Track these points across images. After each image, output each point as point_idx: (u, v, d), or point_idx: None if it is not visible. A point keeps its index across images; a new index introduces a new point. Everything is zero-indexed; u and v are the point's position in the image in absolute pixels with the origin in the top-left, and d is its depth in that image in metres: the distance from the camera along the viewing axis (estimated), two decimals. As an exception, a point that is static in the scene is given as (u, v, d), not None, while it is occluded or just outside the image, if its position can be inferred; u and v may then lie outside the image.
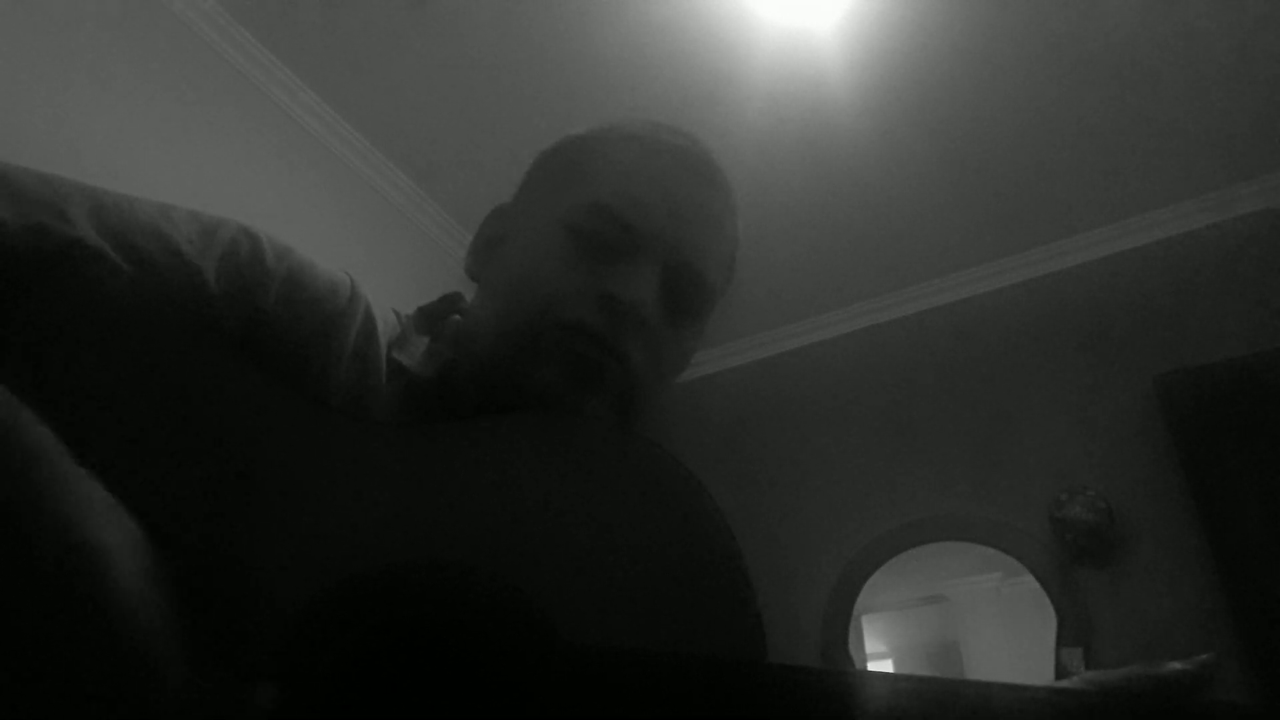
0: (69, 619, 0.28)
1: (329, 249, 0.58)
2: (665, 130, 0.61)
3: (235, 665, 0.33)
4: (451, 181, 2.38)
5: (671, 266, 0.55)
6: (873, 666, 2.53)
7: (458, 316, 0.63)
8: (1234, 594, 1.96)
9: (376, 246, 2.29)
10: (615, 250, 0.54)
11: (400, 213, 2.40)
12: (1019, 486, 2.35)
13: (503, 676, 0.36)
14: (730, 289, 0.64)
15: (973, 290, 2.67)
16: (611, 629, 0.41)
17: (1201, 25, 1.93)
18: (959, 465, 2.45)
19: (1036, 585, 2.24)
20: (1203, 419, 2.13)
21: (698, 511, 0.46)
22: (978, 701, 0.34)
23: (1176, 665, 0.41)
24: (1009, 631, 2.43)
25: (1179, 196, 2.40)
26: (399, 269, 2.31)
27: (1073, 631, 2.13)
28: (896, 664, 2.65)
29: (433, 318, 0.62)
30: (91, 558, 0.29)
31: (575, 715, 0.35)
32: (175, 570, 0.33)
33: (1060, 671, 2.10)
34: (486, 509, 0.42)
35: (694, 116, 1.69)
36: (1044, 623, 2.18)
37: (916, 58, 2.01)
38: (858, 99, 2.10)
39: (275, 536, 0.38)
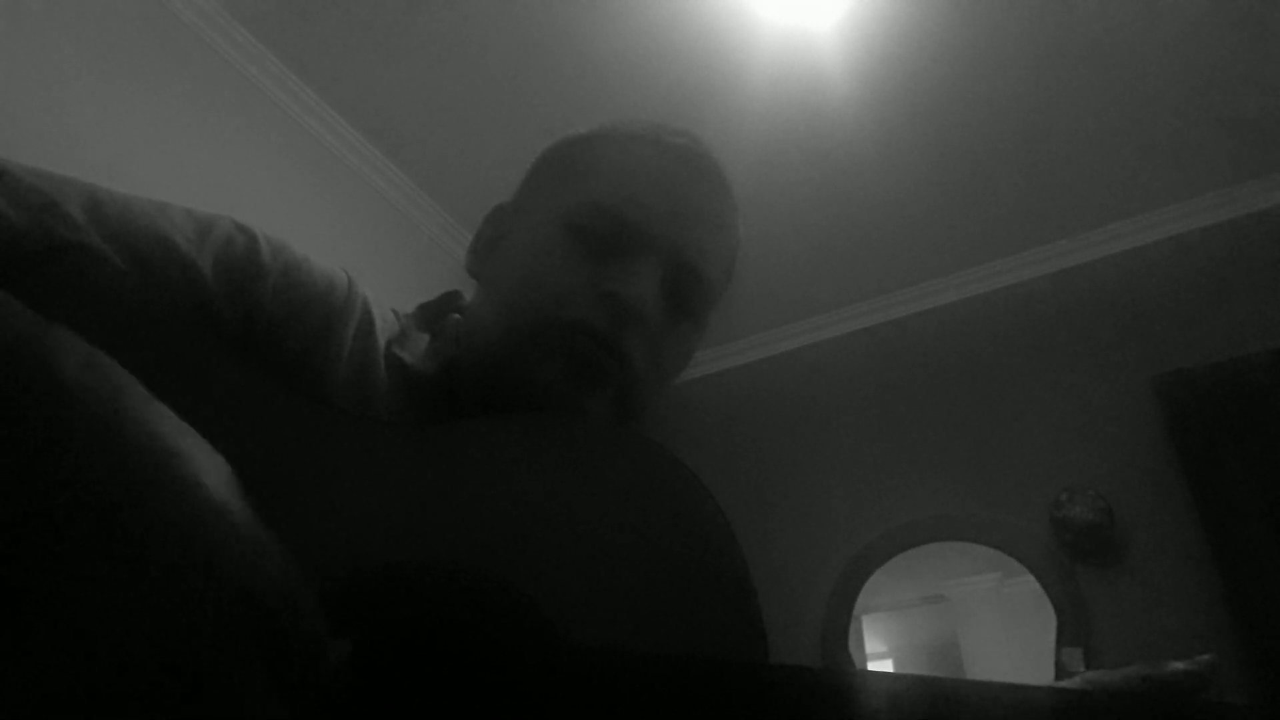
0: (158, 522, 0.28)
1: (329, 249, 0.58)
2: (666, 130, 0.61)
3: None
4: (451, 181, 2.38)
5: (672, 265, 0.55)
6: (873, 666, 2.53)
7: (458, 315, 0.63)
8: (1234, 594, 1.96)
9: (376, 246, 2.29)
10: (616, 249, 0.54)
11: (400, 213, 2.40)
12: (1019, 486, 2.35)
13: (503, 677, 0.36)
14: (730, 289, 0.64)
15: (972, 290, 2.67)
16: (612, 629, 0.41)
17: (1201, 26, 1.93)
18: (959, 465, 2.45)
19: (1036, 585, 2.24)
20: (1202, 419, 2.13)
21: (698, 511, 0.46)
22: (978, 702, 0.34)
23: (1177, 666, 0.41)
24: (1009, 631, 2.43)
25: (1178, 197, 2.40)
26: (399, 269, 2.31)
27: (1073, 631, 2.13)
28: (896, 664, 2.65)
29: (433, 316, 0.63)
30: (178, 461, 0.30)
31: (575, 716, 0.35)
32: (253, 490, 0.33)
33: (1060, 671, 2.10)
34: (487, 508, 0.42)
35: (694, 116, 1.70)
36: (1044, 623, 2.18)
37: (916, 58, 2.01)
38: (857, 99, 2.10)
39: (275, 536, 0.38)
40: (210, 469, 0.31)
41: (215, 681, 0.26)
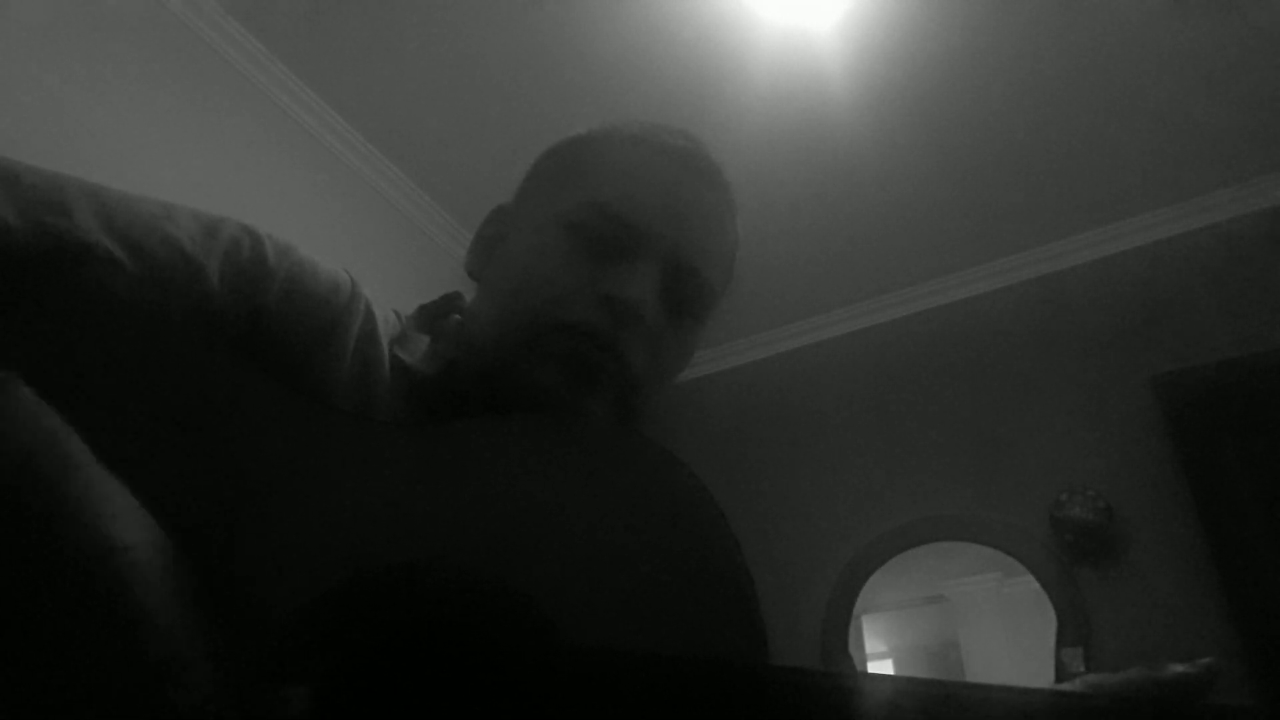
0: (94, 619, 0.28)
1: (329, 249, 0.58)
2: (666, 131, 0.61)
3: (245, 665, 0.34)
4: (451, 181, 2.38)
5: (672, 266, 0.55)
6: (873, 666, 2.53)
7: (458, 316, 0.63)
8: (1234, 594, 1.96)
9: (376, 246, 2.29)
10: (616, 250, 0.54)
11: (400, 213, 2.40)
12: (1019, 486, 2.35)
13: (504, 677, 0.36)
14: (730, 289, 0.64)
15: (972, 290, 2.67)
16: (612, 629, 0.41)
17: (1201, 26, 1.93)
18: (959, 465, 2.45)
19: (1036, 585, 2.24)
20: (1202, 419, 2.13)
21: (698, 511, 0.46)
22: (978, 704, 0.34)
23: (1177, 668, 0.41)
24: (1009, 631, 2.43)
25: (1178, 197, 2.40)
26: (399, 269, 2.31)
27: (1073, 631, 2.13)
28: (896, 664, 2.65)
29: (433, 317, 0.63)
30: (116, 558, 0.30)
31: (576, 716, 0.35)
32: (197, 570, 0.33)
33: (1060, 671, 2.10)
34: (488, 509, 0.42)
35: (694, 116, 1.70)
36: (1044, 623, 2.18)
37: (916, 58, 2.01)
38: (857, 99, 2.10)
39: (277, 536, 0.38)
40: (147, 563, 0.31)
41: None
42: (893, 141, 2.21)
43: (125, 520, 0.31)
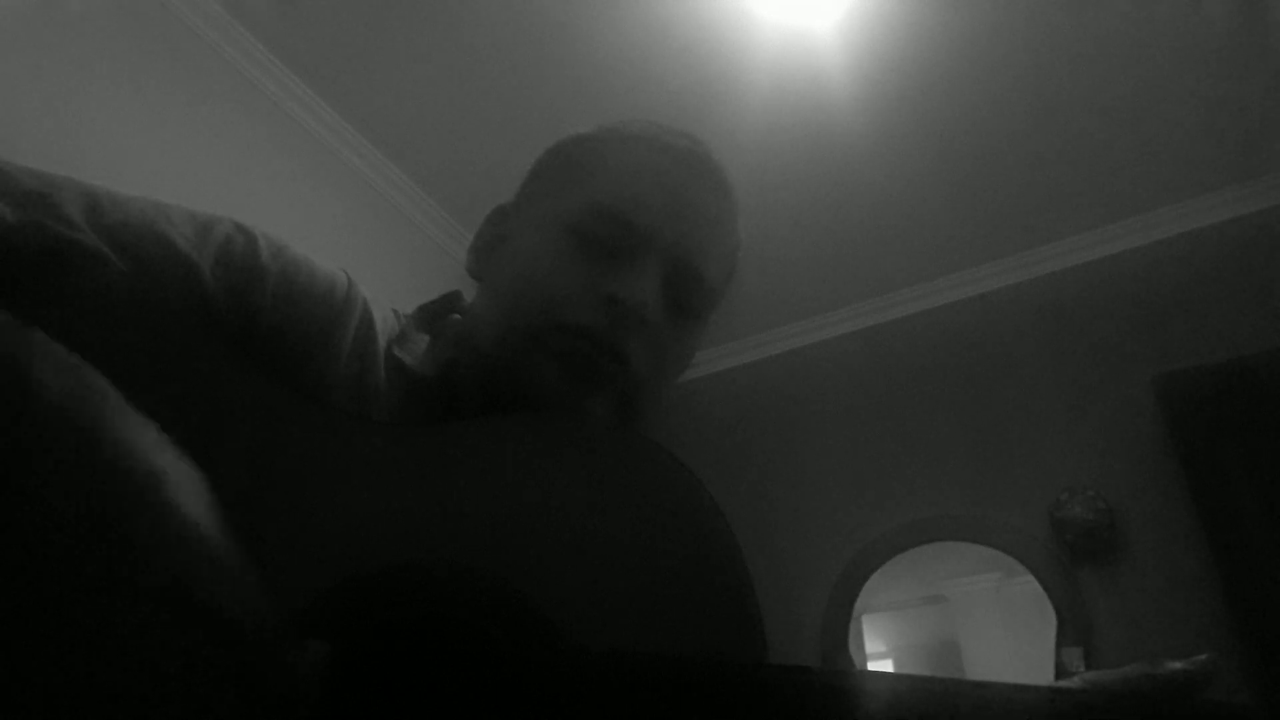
0: (130, 546, 0.28)
1: (329, 249, 0.58)
2: (666, 130, 0.61)
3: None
4: (451, 181, 2.38)
5: (673, 266, 0.55)
6: (873, 666, 2.53)
7: (458, 316, 0.63)
8: (1234, 594, 1.96)
9: (376, 246, 2.29)
10: (617, 250, 0.54)
11: (400, 213, 2.40)
12: (1019, 486, 2.35)
13: (505, 678, 0.36)
14: (731, 289, 0.64)
15: (972, 290, 2.67)
16: (613, 629, 0.41)
17: (1201, 26, 1.93)
18: (959, 465, 2.45)
19: (1036, 585, 2.24)
20: (1202, 419, 2.13)
21: (698, 511, 0.46)
22: (977, 701, 0.34)
23: (1176, 665, 0.41)
24: (1009, 631, 2.43)
25: (1178, 197, 2.40)
26: (399, 269, 2.31)
27: (1073, 631, 2.13)
28: (896, 664, 2.65)
29: (433, 316, 0.62)
30: (152, 479, 0.29)
31: (577, 716, 0.35)
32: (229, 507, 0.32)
33: (1060, 671, 2.10)
34: (489, 509, 0.42)
35: (694, 116, 1.70)
36: (1044, 623, 2.18)
37: (916, 58, 2.01)
38: (857, 99, 2.10)
39: (275, 536, 0.38)
40: (187, 489, 0.30)
41: (183, 702, 0.26)
42: (893, 141, 2.21)
43: (156, 448, 0.31)
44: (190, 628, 0.27)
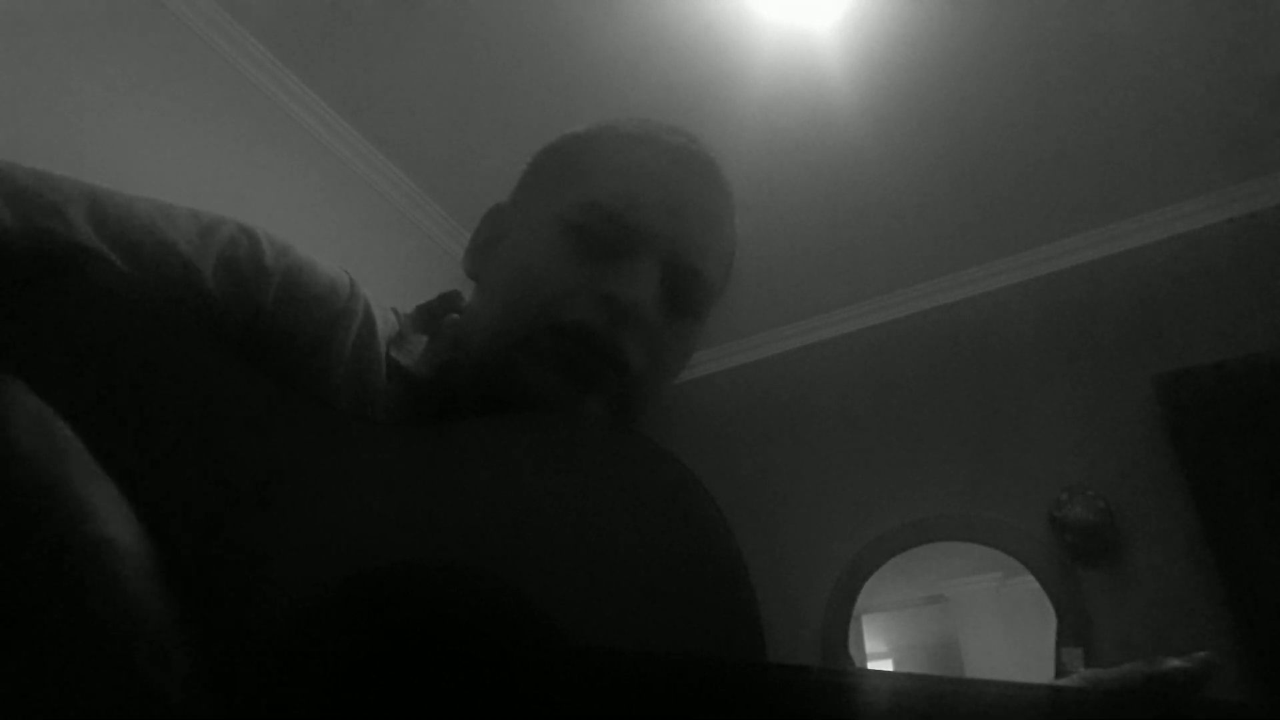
0: (82, 607, 0.29)
1: (329, 249, 0.58)
2: (664, 129, 0.60)
3: (239, 665, 0.34)
4: (451, 181, 2.38)
5: (671, 265, 0.55)
6: (873, 666, 2.53)
7: (456, 316, 0.63)
8: (1234, 594, 1.96)
9: (376, 246, 2.29)
10: (614, 249, 0.54)
11: (400, 213, 2.40)
12: (1019, 486, 2.35)
13: (504, 677, 0.36)
14: (730, 288, 0.64)
15: (973, 290, 2.67)
16: (612, 629, 0.41)
17: (1201, 26, 1.93)
18: (959, 465, 2.45)
19: (1036, 585, 2.24)
20: (1203, 419, 2.13)
21: (697, 511, 0.46)
22: (977, 700, 0.34)
23: (1174, 663, 0.41)
24: (1009, 631, 2.43)
25: (1178, 197, 2.40)
26: (399, 269, 2.31)
27: (1073, 631, 2.13)
28: (896, 664, 2.65)
29: (431, 317, 0.62)
30: (103, 549, 0.30)
31: (576, 716, 0.35)
32: (179, 571, 0.33)
33: (1060, 671, 2.10)
34: (487, 509, 0.42)
35: (694, 116, 1.69)
36: (1044, 623, 2.18)
37: (916, 58, 2.01)
38: (857, 99, 2.10)
39: (275, 536, 0.38)
40: (133, 557, 0.31)
41: None
42: (892, 141, 2.21)
43: (111, 514, 0.32)
44: (124, 693, 0.29)
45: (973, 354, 2.59)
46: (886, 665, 2.62)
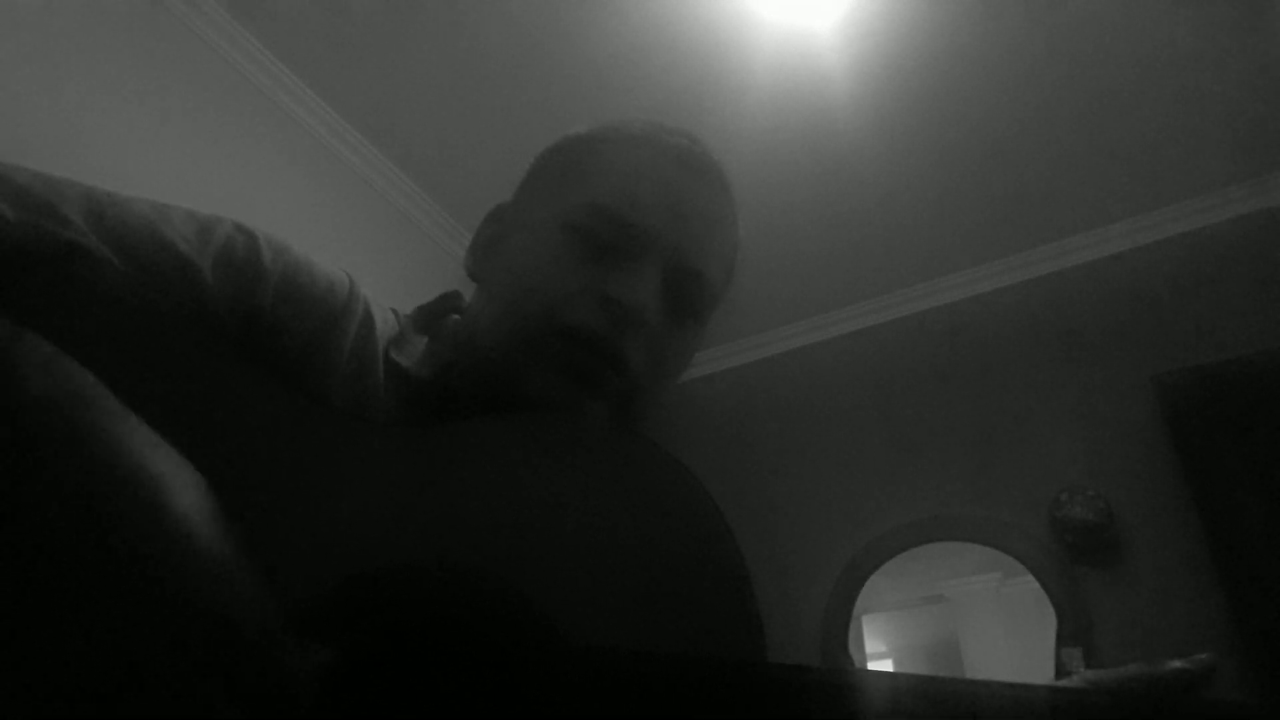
0: (126, 547, 0.27)
1: (329, 249, 0.58)
2: (665, 130, 0.60)
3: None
4: (451, 181, 2.38)
5: (672, 267, 0.55)
6: (873, 666, 2.53)
7: (456, 316, 0.63)
8: (1234, 594, 1.96)
9: (376, 246, 2.29)
10: (616, 251, 0.54)
11: (400, 213, 2.40)
12: (1019, 486, 2.35)
13: (504, 678, 0.36)
14: (731, 289, 0.64)
15: (973, 290, 2.67)
16: (612, 629, 0.41)
17: (1202, 26, 1.93)
18: (959, 465, 2.45)
19: (1036, 585, 2.24)
20: (1202, 419, 2.13)
21: (697, 511, 0.46)
22: (977, 700, 0.34)
23: (1175, 664, 0.41)
24: (1009, 631, 2.43)
25: (1178, 196, 2.40)
26: (399, 269, 2.31)
27: (1073, 631, 2.13)
28: (896, 664, 2.65)
29: (431, 317, 0.62)
30: (150, 481, 0.29)
31: (576, 716, 0.35)
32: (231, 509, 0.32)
33: (1060, 671, 2.10)
34: (486, 510, 0.42)
35: (694, 116, 1.70)
36: (1044, 623, 2.18)
37: (916, 58, 2.01)
38: (858, 99, 2.10)
39: (273, 537, 0.38)
40: (179, 488, 0.30)
41: (178, 703, 0.26)
42: (893, 141, 2.21)
43: (155, 451, 0.30)
44: (186, 628, 0.27)
45: (972, 354, 2.59)
46: (886, 665, 2.62)
